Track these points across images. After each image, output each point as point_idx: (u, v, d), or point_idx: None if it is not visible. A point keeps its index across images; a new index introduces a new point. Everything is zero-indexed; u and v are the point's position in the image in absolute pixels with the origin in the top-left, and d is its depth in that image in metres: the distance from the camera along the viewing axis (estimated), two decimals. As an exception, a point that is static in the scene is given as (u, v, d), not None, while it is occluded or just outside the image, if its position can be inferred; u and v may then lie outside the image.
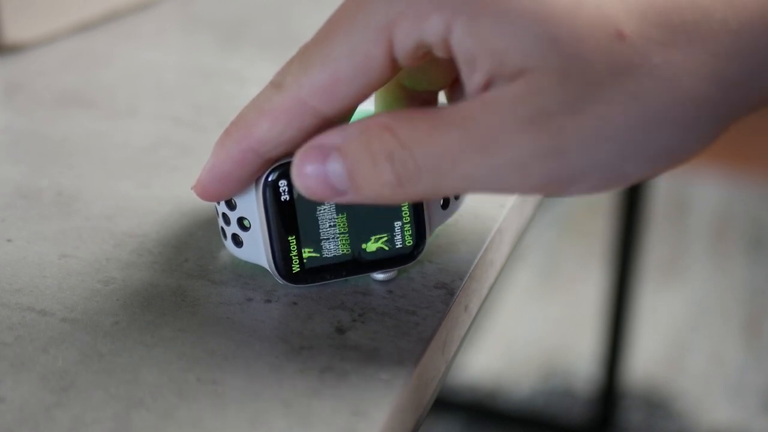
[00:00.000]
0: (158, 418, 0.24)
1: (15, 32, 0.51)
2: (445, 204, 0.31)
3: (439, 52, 0.25)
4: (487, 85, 0.25)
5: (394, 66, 0.25)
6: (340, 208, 0.28)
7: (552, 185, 0.25)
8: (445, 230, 0.32)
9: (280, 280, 0.29)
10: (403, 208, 0.29)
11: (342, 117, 0.27)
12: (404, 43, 0.25)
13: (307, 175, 0.25)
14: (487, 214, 0.34)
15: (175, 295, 0.29)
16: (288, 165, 0.28)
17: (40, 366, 0.26)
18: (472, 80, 0.25)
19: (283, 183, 0.28)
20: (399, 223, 0.29)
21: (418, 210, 0.29)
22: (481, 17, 0.24)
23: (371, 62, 0.25)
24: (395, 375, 0.26)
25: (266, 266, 0.29)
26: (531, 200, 0.38)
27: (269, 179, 0.28)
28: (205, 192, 0.29)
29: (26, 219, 0.34)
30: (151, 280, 0.30)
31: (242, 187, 0.28)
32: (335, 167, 0.25)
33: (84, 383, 0.25)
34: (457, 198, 0.31)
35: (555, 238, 1.79)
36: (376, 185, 0.25)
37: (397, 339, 0.27)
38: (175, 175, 0.37)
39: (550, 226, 1.81)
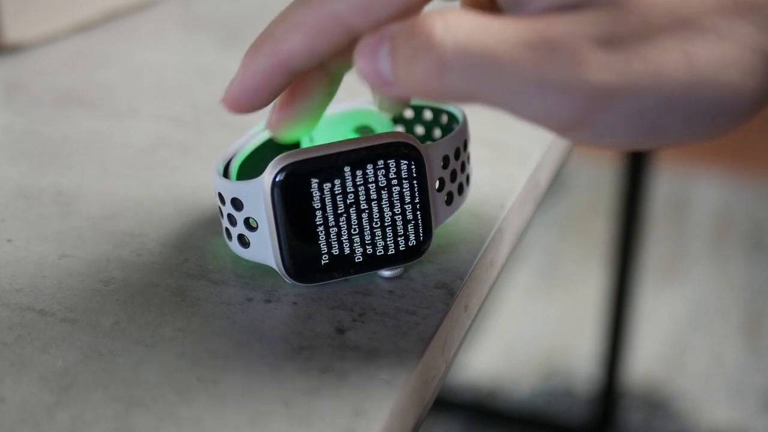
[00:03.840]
0: (158, 418, 0.24)
1: (15, 32, 0.51)
2: (449, 200, 0.31)
3: None
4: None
5: None
6: (346, 206, 0.28)
7: (583, 121, 0.24)
8: (445, 230, 0.32)
9: (288, 280, 0.29)
10: (408, 206, 0.29)
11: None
12: None
13: (362, 54, 0.25)
14: (487, 214, 0.34)
15: (175, 295, 0.29)
16: (294, 165, 0.28)
17: (40, 366, 0.26)
18: (533, 3, 0.24)
19: (291, 182, 0.28)
20: (405, 218, 0.29)
21: (424, 205, 0.29)
22: None
23: None
24: (395, 375, 0.26)
25: (274, 266, 0.29)
26: (531, 200, 0.38)
27: (277, 179, 0.28)
28: (236, 104, 0.28)
29: (26, 219, 0.34)
30: (151, 280, 0.30)
31: (271, 99, 0.28)
32: (383, 52, 0.24)
33: (84, 383, 0.25)
34: (460, 193, 0.31)
35: (555, 238, 1.79)
36: (409, 77, 0.24)
37: (397, 339, 0.27)
38: (175, 175, 0.37)
39: (550, 226, 1.81)
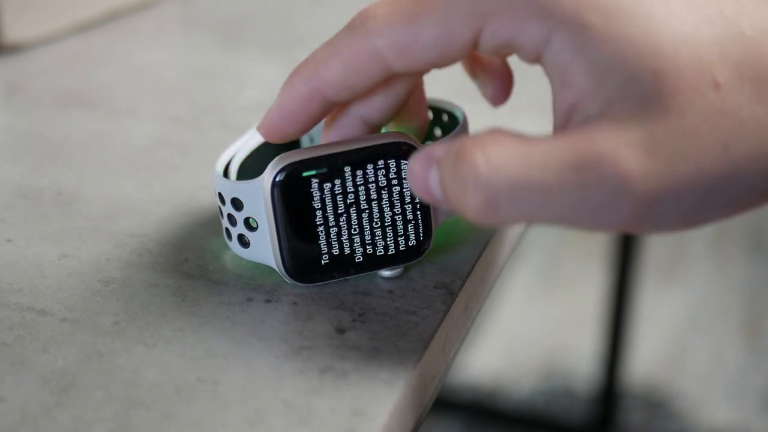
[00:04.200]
0: (158, 418, 0.24)
1: (15, 32, 0.51)
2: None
3: (525, 57, 0.25)
4: (575, 105, 0.25)
5: (472, 50, 0.26)
6: (346, 206, 0.28)
7: (635, 223, 0.24)
8: (445, 230, 0.32)
9: (288, 280, 0.29)
10: (408, 205, 0.29)
11: (407, 76, 0.28)
12: (494, 38, 0.25)
13: (414, 176, 0.26)
14: (487, 214, 0.34)
15: (175, 295, 0.29)
16: (295, 165, 0.28)
17: (40, 366, 0.26)
18: (563, 94, 0.25)
19: (291, 182, 0.28)
20: (406, 218, 0.29)
21: (424, 205, 0.29)
22: (588, 32, 0.24)
23: (454, 40, 0.25)
24: (395, 375, 0.26)
25: (274, 266, 0.29)
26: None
27: (277, 179, 0.28)
28: (270, 131, 0.28)
29: (26, 219, 0.34)
30: (151, 280, 0.30)
31: (307, 128, 0.28)
32: (434, 178, 0.26)
33: (84, 383, 0.25)
34: None
35: (555, 238, 1.79)
36: (461, 205, 0.25)
37: (397, 339, 0.27)
38: (175, 175, 0.37)
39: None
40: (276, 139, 0.29)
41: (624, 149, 0.23)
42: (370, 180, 0.28)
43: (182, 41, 0.57)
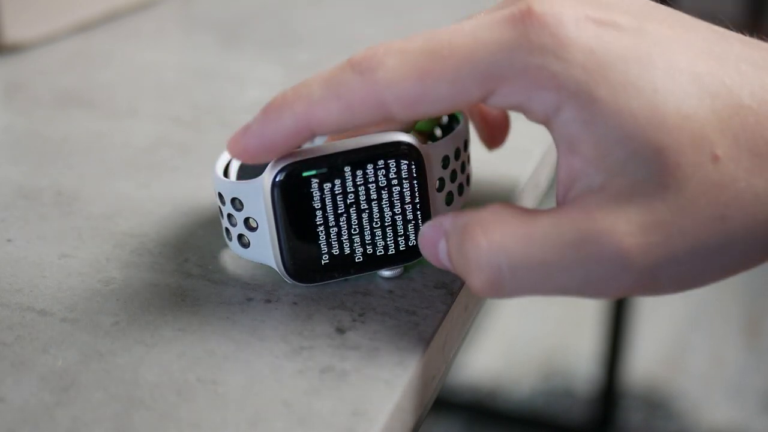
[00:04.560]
0: (158, 418, 0.24)
1: (15, 32, 0.51)
2: (449, 200, 0.31)
3: (532, 119, 0.26)
4: (579, 174, 0.25)
5: (479, 104, 0.26)
6: (346, 206, 0.28)
7: (635, 292, 0.26)
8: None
9: (288, 280, 0.29)
10: (408, 205, 0.29)
11: (406, 124, 0.29)
12: (504, 100, 0.26)
13: (424, 243, 0.28)
14: (487, 214, 0.34)
15: (175, 295, 0.29)
16: (295, 164, 0.28)
17: (40, 366, 0.26)
18: (569, 162, 0.25)
19: (291, 182, 0.28)
20: (406, 218, 0.29)
21: (424, 206, 0.29)
22: (596, 106, 0.24)
23: (464, 97, 0.26)
24: (395, 375, 0.26)
25: (274, 266, 0.29)
26: (531, 200, 0.38)
27: (277, 179, 0.28)
28: (244, 154, 0.28)
29: (26, 219, 0.34)
30: (151, 280, 0.30)
31: (281, 154, 0.28)
32: (443, 249, 0.27)
33: (84, 383, 0.25)
34: (461, 193, 0.31)
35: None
36: (468, 281, 0.26)
37: (397, 339, 0.27)
38: (175, 175, 0.37)
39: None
40: (247, 161, 0.28)
41: (623, 225, 0.24)
42: (370, 180, 0.28)
43: (182, 41, 0.57)
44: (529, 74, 0.25)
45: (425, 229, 0.28)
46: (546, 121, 0.26)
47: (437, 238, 0.27)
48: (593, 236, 0.25)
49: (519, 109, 0.26)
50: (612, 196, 0.25)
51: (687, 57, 0.25)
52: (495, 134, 0.34)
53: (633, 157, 0.24)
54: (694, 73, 0.25)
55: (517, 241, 0.25)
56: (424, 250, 0.28)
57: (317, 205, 0.28)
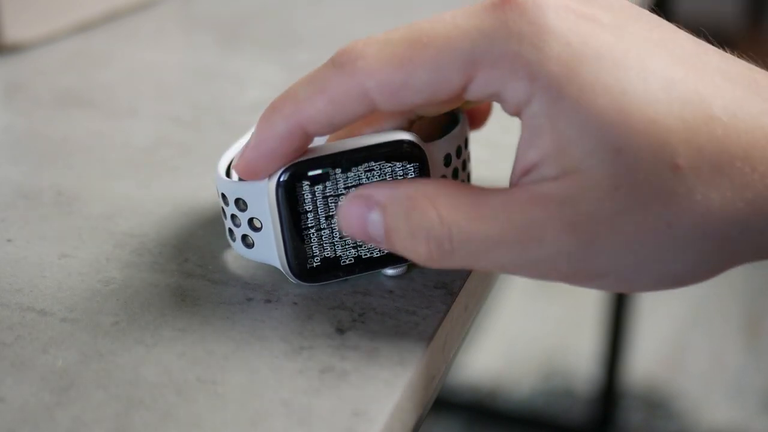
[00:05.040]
0: (158, 418, 0.24)
1: (15, 32, 0.51)
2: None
3: (507, 109, 0.26)
4: (536, 165, 0.25)
5: (459, 96, 0.26)
6: None
7: (575, 280, 0.26)
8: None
9: (293, 280, 0.29)
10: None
11: (407, 121, 0.29)
12: (482, 88, 0.26)
13: (350, 216, 0.27)
14: (487, 214, 0.34)
15: (175, 295, 0.29)
16: (299, 165, 0.28)
17: (40, 366, 0.26)
18: (527, 152, 0.26)
19: (294, 182, 0.28)
20: None
21: None
22: (563, 103, 0.25)
23: (446, 85, 0.26)
24: (395, 375, 0.26)
25: (278, 266, 0.29)
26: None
27: (281, 179, 0.28)
28: (248, 170, 0.28)
29: (26, 219, 0.34)
30: (151, 280, 0.30)
31: (285, 162, 0.28)
32: (375, 219, 0.27)
33: (84, 383, 0.25)
34: None
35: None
36: (409, 251, 0.26)
37: (397, 339, 0.27)
38: (175, 175, 0.37)
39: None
40: (253, 178, 0.28)
41: (568, 216, 0.25)
42: (375, 178, 0.28)
43: (182, 41, 0.57)
44: (506, 61, 0.25)
45: (347, 202, 0.27)
46: (518, 112, 0.26)
47: (366, 210, 0.27)
48: (539, 223, 0.25)
49: (496, 98, 0.26)
50: (564, 188, 0.25)
51: (663, 61, 0.25)
52: (475, 117, 0.34)
53: (589, 157, 0.25)
54: (668, 78, 0.25)
55: (467, 216, 0.26)
56: (345, 222, 0.27)
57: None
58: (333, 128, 0.27)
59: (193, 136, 0.41)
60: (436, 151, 0.29)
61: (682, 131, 0.25)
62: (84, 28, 0.55)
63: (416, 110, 0.28)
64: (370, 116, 0.28)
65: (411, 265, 0.30)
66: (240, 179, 0.32)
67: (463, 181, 0.31)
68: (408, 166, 0.28)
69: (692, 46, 0.27)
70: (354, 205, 0.27)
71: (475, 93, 0.26)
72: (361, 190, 0.27)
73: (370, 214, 0.27)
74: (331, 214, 0.28)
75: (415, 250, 0.26)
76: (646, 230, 0.25)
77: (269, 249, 0.29)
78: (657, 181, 0.24)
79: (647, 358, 1.44)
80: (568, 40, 0.25)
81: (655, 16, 0.27)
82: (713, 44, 0.27)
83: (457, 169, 0.31)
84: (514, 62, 0.25)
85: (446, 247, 0.26)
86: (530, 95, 0.25)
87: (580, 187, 0.25)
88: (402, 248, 0.27)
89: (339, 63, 0.26)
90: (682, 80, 0.25)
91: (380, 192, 0.27)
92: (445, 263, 0.26)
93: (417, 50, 0.26)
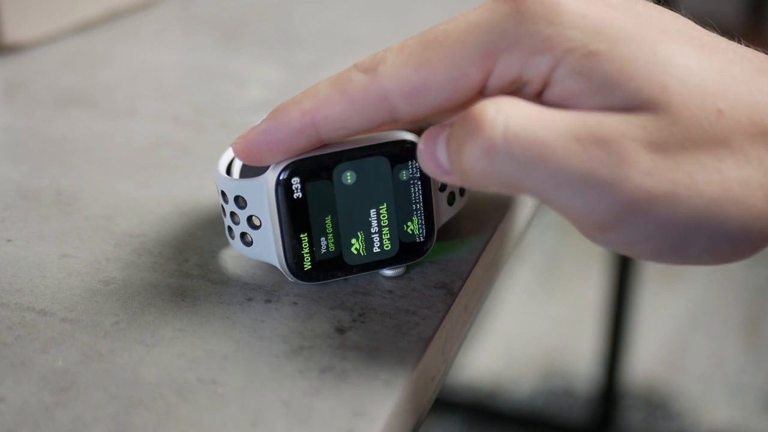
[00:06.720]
0: (158, 418, 0.24)
1: (15, 32, 0.51)
2: (451, 200, 0.31)
3: (531, 90, 0.26)
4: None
5: (481, 92, 0.26)
6: (351, 206, 0.28)
7: (622, 225, 0.24)
8: (445, 230, 0.32)
9: (291, 279, 0.29)
10: (412, 205, 0.29)
11: (409, 123, 0.28)
12: (503, 75, 0.25)
13: (421, 152, 0.26)
14: (487, 214, 0.34)
15: (175, 295, 0.29)
16: (299, 163, 0.28)
17: (40, 366, 0.26)
18: (583, 102, 0.25)
19: (295, 181, 0.28)
20: (409, 218, 0.29)
21: (427, 205, 0.29)
22: (593, 58, 0.24)
23: (465, 81, 0.25)
24: (395, 375, 0.26)
25: (277, 265, 0.29)
26: (531, 200, 0.38)
27: (281, 177, 0.28)
28: (247, 151, 0.28)
29: (26, 219, 0.34)
30: (151, 280, 0.30)
31: (284, 158, 0.28)
32: (442, 140, 0.26)
33: (84, 383, 0.25)
34: (462, 194, 0.31)
35: (555, 238, 1.79)
36: (463, 153, 0.25)
37: (397, 339, 0.27)
38: (175, 175, 0.37)
39: (550, 226, 1.81)
40: (249, 161, 0.28)
41: (631, 140, 0.24)
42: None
43: (182, 41, 0.57)
44: (523, 43, 0.25)
45: (425, 133, 0.27)
46: (546, 84, 0.25)
47: (440, 131, 0.26)
48: (602, 136, 0.24)
49: (518, 83, 0.26)
50: (621, 114, 0.24)
51: (676, 40, 0.25)
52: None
53: (638, 93, 0.24)
54: (692, 42, 0.25)
55: (526, 115, 0.24)
56: (422, 147, 0.26)
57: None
58: (347, 132, 0.27)
59: (193, 135, 0.41)
60: None
61: (718, 82, 0.25)
62: (84, 28, 0.55)
63: (434, 116, 0.28)
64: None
65: (410, 266, 0.30)
66: (240, 177, 0.32)
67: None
68: (408, 165, 0.28)
69: (700, 30, 0.27)
70: (430, 130, 0.26)
71: (496, 84, 0.26)
72: (434, 126, 0.27)
73: (440, 135, 0.26)
74: (330, 213, 0.28)
75: (464, 155, 0.25)
76: (698, 175, 0.24)
77: (268, 247, 0.29)
78: (706, 123, 0.24)
79: (647, 358, 1.44)
80: (583, 13, 0.25)
81: (661, 7, 0.27)
82: (718, 33, 0.28)
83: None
84: (531, 41, 0.25)
85: (495, 143, 0.24)
86: (555, 63, 0.25)
87: (638, 118, 0.24)
88: (455, 161, 0.25)
89: (362, 68, 0.27)
90: (698, 63, 0.25)
91: (456, 116, 0.26)
92: (489, 167, 0.24)
93: (433, 51, 0.26)
